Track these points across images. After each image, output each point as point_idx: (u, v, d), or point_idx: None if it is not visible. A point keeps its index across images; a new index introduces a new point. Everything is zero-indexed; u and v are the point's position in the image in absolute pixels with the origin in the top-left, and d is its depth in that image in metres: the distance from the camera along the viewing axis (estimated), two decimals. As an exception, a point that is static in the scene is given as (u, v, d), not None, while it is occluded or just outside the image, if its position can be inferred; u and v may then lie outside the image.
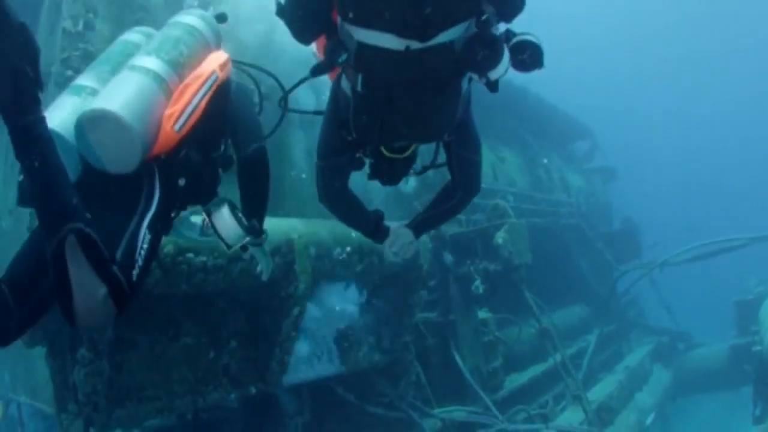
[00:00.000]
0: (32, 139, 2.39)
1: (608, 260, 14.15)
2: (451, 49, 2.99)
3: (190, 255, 4.94)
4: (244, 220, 3.42)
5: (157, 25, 3.43)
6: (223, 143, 3.48)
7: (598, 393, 10.05)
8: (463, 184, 3.78)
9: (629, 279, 14.32)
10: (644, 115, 54.08)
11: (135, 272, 2.69)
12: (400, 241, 3.96)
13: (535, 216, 10.98)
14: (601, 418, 8.58)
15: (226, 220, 3.34)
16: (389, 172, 3.68)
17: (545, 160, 13.15)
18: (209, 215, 3.38)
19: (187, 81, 3.04)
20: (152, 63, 2.93)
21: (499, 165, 11.19)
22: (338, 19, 3.09)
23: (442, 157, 3.77)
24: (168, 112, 2.90)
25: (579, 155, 17.24)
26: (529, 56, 3.05)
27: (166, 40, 3.09)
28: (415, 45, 2.92)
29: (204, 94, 3.03)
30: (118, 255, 2.67)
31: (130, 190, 2.90)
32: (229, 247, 3.40)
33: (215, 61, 3.19)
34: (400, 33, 2.89)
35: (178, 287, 4.92)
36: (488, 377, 8.11)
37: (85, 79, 3.05)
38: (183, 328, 5.31)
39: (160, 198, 2.91)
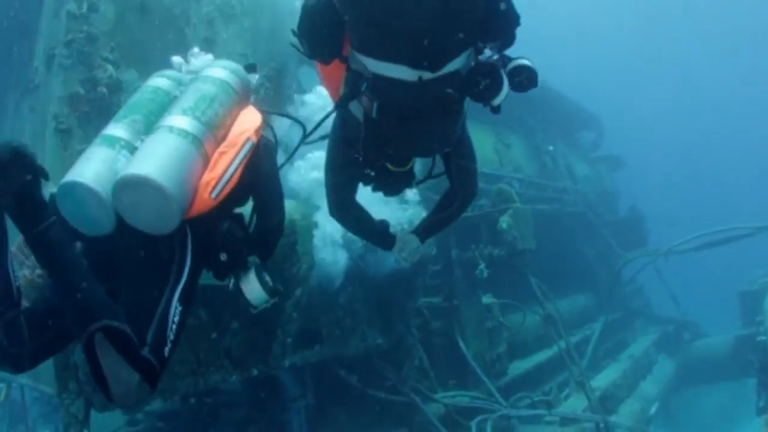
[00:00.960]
0: (47, 245, 2.56)
1: (614, 249, 14.08)
2: (457, 76, 3.37)
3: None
4: (269, 281, 3.48)
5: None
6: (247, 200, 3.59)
7: (601, 381, 10.01)
8: (461, 189, 4.13)
9: (634, 267, 14.24)
10: (651, 104, 53.78)
11: (167, 348, 2.79)
12: (408, 247, 4.31)
13: (540, 203, 10.91)
14: (605, 406, 8.52)
15: (252, 284, 3.39)
16: (393, 185, 4.07)
17: (551, 147, 13.07)
18: (236, 277, 3.43)
19: (223, 148, 3.10)
20: (189, 125, 2.98)
21: (505, 151, 11.11)
22: (349, 48, 3.42)
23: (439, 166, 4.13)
24: (205, 178, 2.95)
25: (585, 144, 17.12)
26: (525, 78, 3.44)
27: (202, 99, 3.13)
28: (427, 75, 3.27)
29: (239, 163, 3.09)
30: (150, 336, 2.75)
31: (162, 249, 2.96)
32: (254, 308, 3.50)
33: (250, 125, 3.27)
34: (412, 65, 3.24)
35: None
36: (492, 363, 8.07)
37: (117, 130, 3.07)
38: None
39: (191, 268, 2.97)
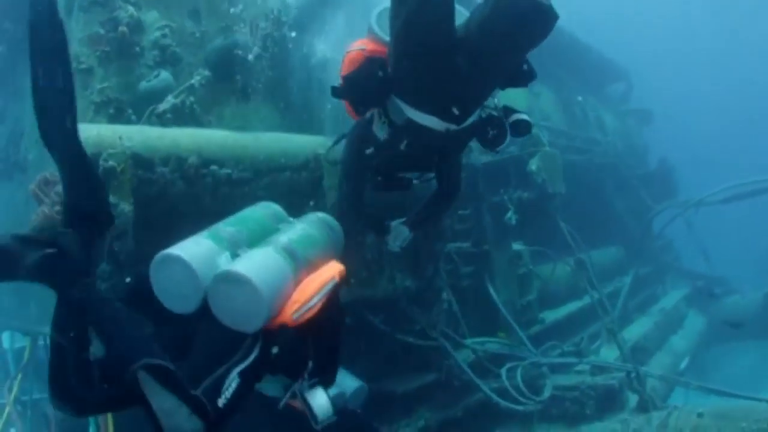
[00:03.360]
0: (80, 309, 2.72)
1: (644, 200, 13.78)
2: (473, 126, 4.34)
3: (214, 167, 4.73)
4: (336, 399, 3.63)
5: None
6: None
7: (632, 333, 9.86)
8: (449, 190, 5.07)
9: (664, 220, 13.98)
10: (682, 57, 52.61)
11: (221, 401, 2.89)
12: (401, 236, 5.09)
13: (570, 153, 10.63)
14: (636, 357, 8.33)
15: (319, 399, 3.48)
16: (395, 186, 4.95)
17: (580, 98, 12.75)
18: (302, 391, 3.51)
19: (311, 277, 3.35)
20: (294, 251, 3.28)
21: (534, 100, 10.80)
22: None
23: None
24: (293, 299, 3.19)
25: (615, 97, 16.75)
26: (523, 128, 4.40)
27: (308, 238, 3.48)
28: (453, 128, 4.21)
29: (322, 296, 3.28)
30: (201, 388, 2.84)
31: (234, 338, 3.11)
32: (317, 423, 3.52)
33: (336, 269, 3.50)
34: (443, 118, 4.16)
35: (202, 201, 4.73)
36: (522, 311, 7.90)
37: (224, 231, 3.31)
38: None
39: (255, 358, 3.12)
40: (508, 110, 4.39)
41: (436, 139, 4.25)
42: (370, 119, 4.59)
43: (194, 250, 3.07)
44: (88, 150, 4.29)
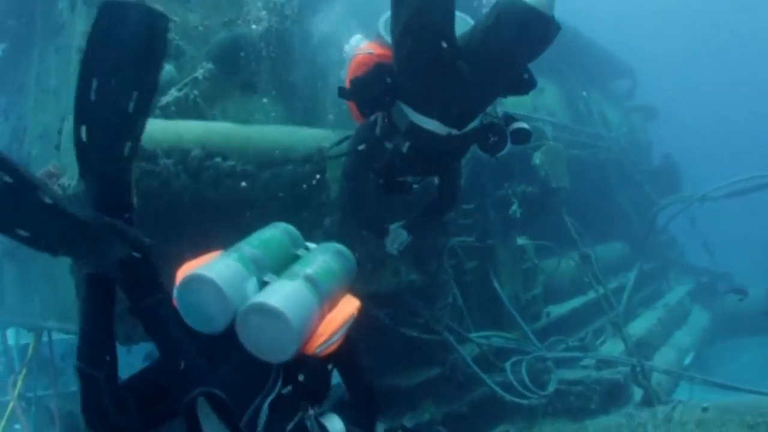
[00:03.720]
0: (153, 320, 2.77)
1: (648, 196, 13.75)
2: (474, 132, 4.50)
3: (218, 159, 4.72)
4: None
5: None
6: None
7: (636, 328, 9.83)
8: (447, 199, 5.33)
9: (668, 216, 13.94)
10: (688, 56, 52.46)
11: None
12: (399, 239, 5.24)
13: (574, 147, 10.59)
14: (640, 352, 8.31)
15: (336, 426, 3.44)
16: (399, 190, 5.07)
17: (584, 93, 12.71)
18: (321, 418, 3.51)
19: (334, 313, 3.32)
20: (319, 285, 3.24)
21: (538, 95, 10.75)
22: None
23: None
24: (318, 332, 3.17)
25: (619, 93, 16.71)
26: (523, 136, 4.60)
27: (330, 271, 3.41)
28: (455, 132, 4.38)
29: (344, 330, 3.27)
30: (243, 421, 2.87)
31: (262, 368, 3.12)
32: None
33: (354, 305, 3.49)
34: (445, 123, 4.32)
35: (205, 194, 4.72)
36: (527, 305, 7.88)
37: (250, 254, 3.27)
38: (213, 242, 5.10)
39: (282, 387, 3.13)
40: (509, 118, 4.58)
41: (438, 143, 4.43)
42: (374, 122, 4.72)
43: (226, 273, 3.06)
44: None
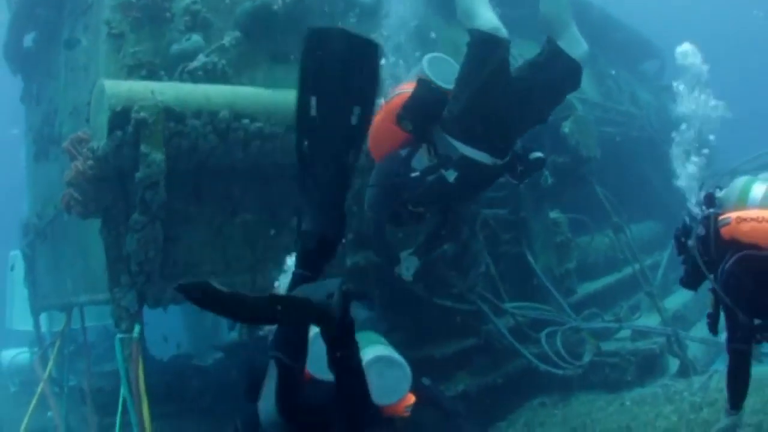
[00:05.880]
0: (344, 369, 2.77)
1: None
2: (510, 161, 4.92)
3: (245, 121, 4.71)
4: None
5: None
6: None
7: (672, 303, 9.62)
8: (450, 228, 5.86)
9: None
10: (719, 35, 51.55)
11: None
12: (412, 265, 5.55)
13: (605, 125, 10.43)
14: (676, 326, 8.15)
15: None
16: (413, 220, 5.37)
17: (613, 72, 12.53)
18: None
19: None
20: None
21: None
22: (437, 131, 4.75)
23: None
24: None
25: (649, 74, 16.47)
26: (539, 164, 5.11)
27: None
28: (498, 162, 4.81)
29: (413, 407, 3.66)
30: None
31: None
32: None
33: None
34: (491, 153, 4.73)
35: (234, 155, 4.70)
36: (561, 279, 7.77)
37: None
38: (241, 205, 5.10)
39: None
40: (526, 148, 5.04)
41: (484, 173, 4.88)
42: (406, 156, 5.02)
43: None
44: (120, 105, 4.32)
